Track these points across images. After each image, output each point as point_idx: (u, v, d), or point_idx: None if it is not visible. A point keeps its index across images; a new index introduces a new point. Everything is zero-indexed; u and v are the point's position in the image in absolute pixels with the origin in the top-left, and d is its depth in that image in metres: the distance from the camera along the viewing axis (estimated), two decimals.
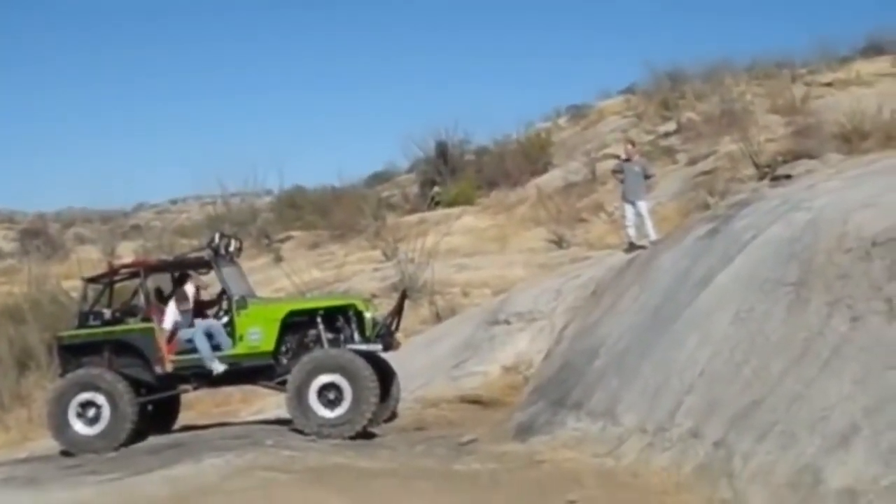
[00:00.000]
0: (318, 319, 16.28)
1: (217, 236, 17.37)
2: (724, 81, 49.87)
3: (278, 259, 41.29)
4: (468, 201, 45.84)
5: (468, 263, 32.90)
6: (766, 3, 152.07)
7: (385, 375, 16.45)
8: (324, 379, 15.39)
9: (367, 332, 16.22)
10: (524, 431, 15.16)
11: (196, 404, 21.38)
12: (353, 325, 16.25)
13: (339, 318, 16.37)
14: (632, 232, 23.46)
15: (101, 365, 16.19)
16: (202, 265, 17.29)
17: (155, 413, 17.23)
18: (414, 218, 43.74)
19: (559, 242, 33.78)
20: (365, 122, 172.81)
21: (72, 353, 16.47)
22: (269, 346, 16.14)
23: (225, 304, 16.84)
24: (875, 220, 12.34)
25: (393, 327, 16.70)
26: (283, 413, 16.32)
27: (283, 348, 16.36)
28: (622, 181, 24.08)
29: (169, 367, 16.15)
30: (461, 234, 38.79)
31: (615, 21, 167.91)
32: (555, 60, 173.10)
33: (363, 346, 15.95)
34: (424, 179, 52.93)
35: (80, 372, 16.08)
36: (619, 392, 14.15)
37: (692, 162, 40.11)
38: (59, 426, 15.97)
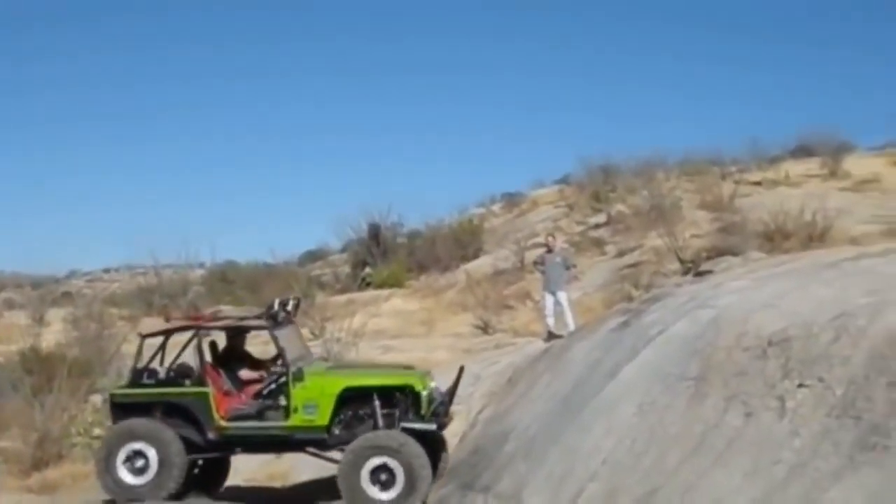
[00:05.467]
0: (374, 395, 16.30)
1: (276, 303, 17.23)
2: (655, 176, 50.75)
3: None
4: (398, 284, 46.21)
5: (394, 345, 33.02)
6: (701, 101, 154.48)
7: (436, 449, 16.63)
8: (376, 461, 15.42)
9: (423, 410, 16.19)
10: None
11: None
12: (409, 402, 16.28)
13: (396, 394, 16.37)
14: (551, 321, 23.86)
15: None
16: (259, 328, 17.27)
17: (203, 472, 17.51)
18: (343, 298, 43.82)
19: (485, 328, 34.00)
20: (300, 201, 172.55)
21: (123, 411, 16.46)
22: (324, 420, 16.17)
23: (279, 369, 16.71)
24: (773, 321, 12.83)
25: (449, 405, 16.73)
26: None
27: (337, 420, 16.37)
28: (543, 272, 24.52)
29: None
30: (389, 316, 39.02)
31: (553, 111, 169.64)
32: (494, 147, 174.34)
33: (417, 426, 15.98)
34: (356, 260, 53.23)
35: (133, 421, 16.14)
36: (527, 477, 14.36)
37: (620, 254, 40.72)
38: (105, 470, 16.02)
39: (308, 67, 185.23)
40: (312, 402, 16.13)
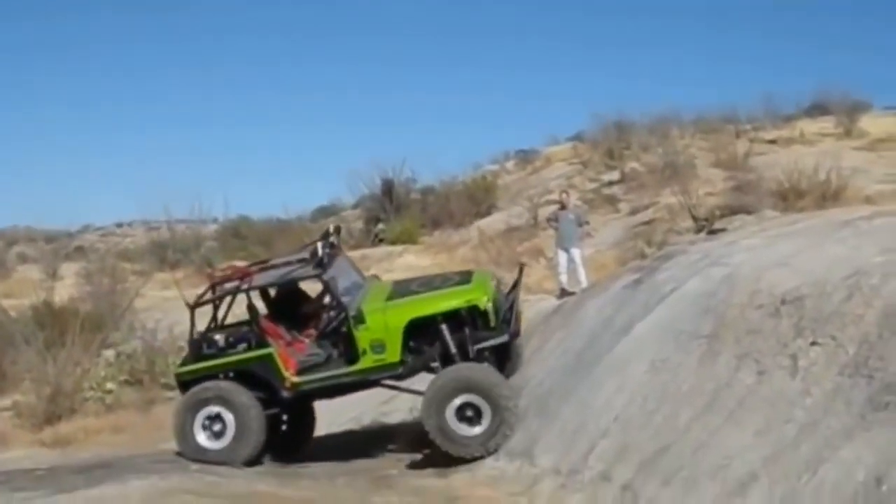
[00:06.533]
0: (440, 319, 15.77)
1: (319, 247, 16.25)
2: (669, 134, 50.74)
3: None
4: (411, 240, 46.18)
5: None
6: (716, 59, 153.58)
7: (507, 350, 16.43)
8: (458, 401, 14.97)
9: (492, 322, 15.74)
10: (445, 468, 15.36)
11: (128, 428, 21.55)
12: (476, 317, 15.80)
13: (462, 312, 15.80)
14: (564, 278, 23.86)
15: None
16: (310, 278, 16.45)
17: (289, 427, 17.41)
18: (357, 254, 43.83)
19: (498, 285, 34.00)
20: (314, 156, 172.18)
21: (190, 386, 16.06)
22: (395, 357, 15.69)
23: (334, 310, 16.37)
24: (786, 279, 12.83)
25: (515, 308, 16.44)
26: None
27: (407, 349, 15.87)
28: (556, 229, 24.51)
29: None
30: (402, 272, 38.73)
31: (568, 68, 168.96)
32: (508, 104, 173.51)
33: (490, 342, 15.67)
34: (369, 216, 53.18)
35: (210, 384, 15.82)
36: (539, 433, 14.46)
37: (633, 212, 40.74)
38: (184, 436, 15.81)
39: (323, 24, 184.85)
40: (379, 341, 15.65)
